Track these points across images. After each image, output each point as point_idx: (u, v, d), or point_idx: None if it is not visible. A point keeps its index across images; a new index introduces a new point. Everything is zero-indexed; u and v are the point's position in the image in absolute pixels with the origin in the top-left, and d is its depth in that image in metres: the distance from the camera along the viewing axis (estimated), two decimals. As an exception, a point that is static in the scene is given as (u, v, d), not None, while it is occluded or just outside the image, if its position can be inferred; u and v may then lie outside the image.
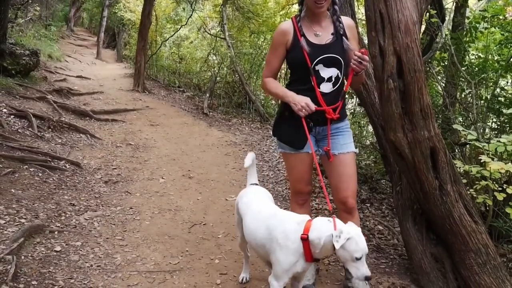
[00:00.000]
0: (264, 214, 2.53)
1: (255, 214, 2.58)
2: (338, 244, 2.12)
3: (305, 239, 2.26)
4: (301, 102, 2.55)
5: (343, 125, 2.79)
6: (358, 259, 2.13)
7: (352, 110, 7.01)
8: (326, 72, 2.66)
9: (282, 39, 2.72)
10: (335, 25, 2.70)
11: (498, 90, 4.46)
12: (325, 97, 2.67)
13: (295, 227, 2.32)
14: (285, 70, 7.71)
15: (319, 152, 2.85)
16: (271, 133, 2.94)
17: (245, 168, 2.97)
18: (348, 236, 2.13)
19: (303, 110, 2.54)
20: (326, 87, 2.67)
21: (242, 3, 11.44)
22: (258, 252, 2.61)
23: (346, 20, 2.76)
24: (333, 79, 2.67)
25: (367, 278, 2.15)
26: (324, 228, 2.22)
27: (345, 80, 2.74)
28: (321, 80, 2.66)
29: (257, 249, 2.58)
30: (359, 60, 2.50)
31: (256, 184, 2.98)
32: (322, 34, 2.68)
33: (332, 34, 2.68)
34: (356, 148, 2.84)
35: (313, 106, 2.56)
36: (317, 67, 2.64)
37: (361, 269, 2.15)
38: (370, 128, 5.61)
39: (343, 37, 2.68)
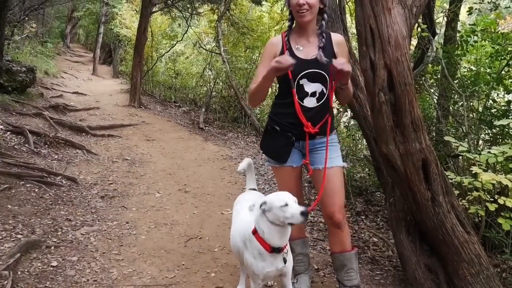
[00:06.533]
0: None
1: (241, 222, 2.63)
2: (254, 212, 2.22)
3: (254, 232, 2.34)
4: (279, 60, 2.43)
5: (329, 139, 2.75)
6: (284, 205, 2.15)
7: (346, 124, 7.07)
8: (310, 87, 2.68)
9: (271, 51, 2.73)
10: (319, 39, 2.70)
11: (490, 102, 4.52)
12: (308, 112, 2.68)
13: (249, 225, 2.41)
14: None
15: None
16: (259, 146, 2.96)
17: (238, 175, 3.01)
18: (264, 200, 2.23)
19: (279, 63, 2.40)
20: (309, 102, 2.69)
21: (237, 18, 11.57)
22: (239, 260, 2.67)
23: (335, 37, 2.78)
24: (317, 94, 2.69)
25: (303, 213, 2.12)
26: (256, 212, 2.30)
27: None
28: (304, 94, 2.68)
29: (237, 257, 2.65)
30: (339, 67, 2.43)
31: (255, 189, 3.03)
32: (309, 49, 2.69)
33: (319, 48, 2.67)
34: (344, 162, 2.85)
35: (290, 59, 2.42)
36: (301, 82, 2.66)
37: (291, 210, 2.14)
38: (365, 141, 5.66)
39: (323, 52, 2.65)
